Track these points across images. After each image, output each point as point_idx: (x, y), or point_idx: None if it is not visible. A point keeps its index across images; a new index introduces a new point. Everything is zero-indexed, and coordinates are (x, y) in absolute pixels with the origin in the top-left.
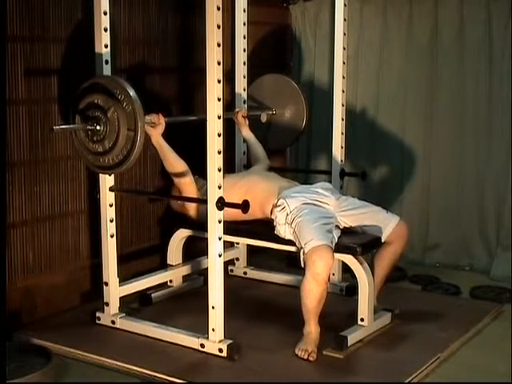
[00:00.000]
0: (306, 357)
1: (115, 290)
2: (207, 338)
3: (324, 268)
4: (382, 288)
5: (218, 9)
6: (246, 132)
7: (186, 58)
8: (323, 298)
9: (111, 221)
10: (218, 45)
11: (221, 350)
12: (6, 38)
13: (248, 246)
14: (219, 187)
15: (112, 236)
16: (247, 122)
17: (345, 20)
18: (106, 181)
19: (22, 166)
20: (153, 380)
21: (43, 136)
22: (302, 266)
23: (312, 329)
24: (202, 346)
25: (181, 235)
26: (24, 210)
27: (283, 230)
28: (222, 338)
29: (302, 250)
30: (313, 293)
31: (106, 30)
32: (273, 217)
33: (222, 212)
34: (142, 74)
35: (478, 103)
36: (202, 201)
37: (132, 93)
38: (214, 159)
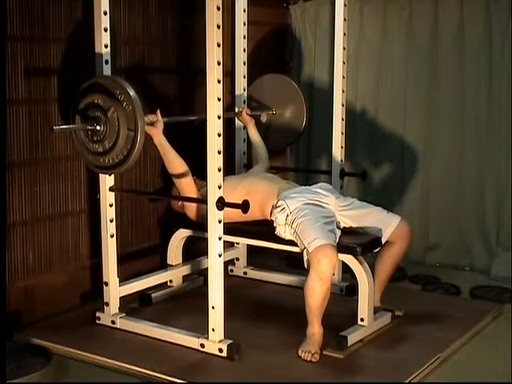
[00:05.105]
0: (309, 358)
1: (115, 290)
2: (207, 338)
3: (329, 266)
4: (385, 289)
5: (218, 9)
6: (252, 132)
7: (186, 58)
8: (327, 298)
9: (111, 221)
10: (218, 45)
11: (221, 350)
12: (6, 38)
13: (248, 245)
14: (219, 187)
15: (112, 236)
16: (253, 121)
17: (345, 20)
18: (106, 181)
19: (22, 166)
20: (153, 380)
21: (43, 136)
22: (306, 266)
23: (315, 330)
24: (202, 346)
25: (181, 235)
26: (24, 210)
27: (283, 231)
28: (222, 337)
29: (305, 251)
30: (317, 291)
31: (106, 30)
32: (273, 218)
33: (221, 212)
34: (141, 74)
35: (477, 103)
36: (202, 201)
37: (132, 93)
38: (214, 159)
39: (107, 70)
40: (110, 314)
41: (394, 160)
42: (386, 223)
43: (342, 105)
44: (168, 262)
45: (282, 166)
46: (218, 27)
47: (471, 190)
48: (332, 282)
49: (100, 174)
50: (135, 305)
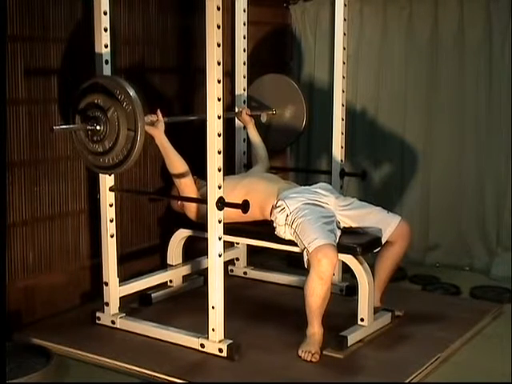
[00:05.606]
0: (309, 358)
1: (115, 290)
2: (207, 338)
3: (329, 266)
4: (385, 289)
5: (218, 9)
6: (252, 132)
7: (186, 58)
8: (327, 298)
9: (111, 221)
10: (218, 45)
11: (221, 350)
12: (6, 38)
13: (248, 245)
14: (219, 187)
15: (112, 236)
16: (253, 121)
17: (345, 20)
18: (106, 181)
19: (22, 166)
20: (153, 380)
21: (43, 136)
22: (306, 266)
23: (316, 330)
24: (202, 346)
25: (181, 235)
26: (24, 210)
27: (283, 231)
28: (222, 337)
29: (305, 251)
30: (317, 292)
31: (106, 30)
32: (272, 218)
33: (221, 212)
34: (141, 74)
35: (477, 103)
36: (202, 201)
37: (132, 93)
38: (214, 159)
39: (107, 70)
40: (110, 313)
41: (393, 160)
42: (386, 223)
43: (342, 105)
44: (168, 262)
45: (282, 166)
46: (218, 27)
47: (471, 189)
48: (332, 282)
49: (100, 174)
50: (135, 305)
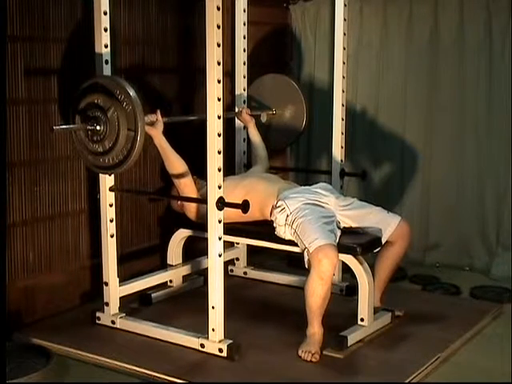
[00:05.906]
0: (309, 358)
1: (115, 290)
2: (207, 337)
3: (330, 266)
4: (385, 289)
5: (218, 9)
6: (252, 132)
7: (186, 58)
8: (327, 298)
9: (111, 221)
10: (218, 45)
11: (221, 350)
12: (6, 38)
13: (248, 245)
14: (219, 187)
15: (112, 236)
16: (253, 120)
17: (345, 20)
18: (106, 181)
19: (21, 166)
20: (153, 380)
21: (43, 136)
22: (306, 266)
23: (316, 330)
24: (202, 346)
25: (181, 235)
26: (24, 210)
27: (283, 231)
28: (222, 337)
29: (306, 251)
30: (317, 292)
31: (106, 30)
32: (272, 218)
33: (222, 212)
34: (141, 74)
35: (477, 103)
36: (202, 201)
37: (132, 93)
38: (214, 159)
39: (107, 70)
40: (110, 313)
41: (393, 160)
42: (386, 223)
43: (342, 105)
44: (168, 262)
45: (281, 166)
46: (218, 27)
47: (471, 190)
48: (332, 282)
49: (100, 174)
50: (135, 305)
